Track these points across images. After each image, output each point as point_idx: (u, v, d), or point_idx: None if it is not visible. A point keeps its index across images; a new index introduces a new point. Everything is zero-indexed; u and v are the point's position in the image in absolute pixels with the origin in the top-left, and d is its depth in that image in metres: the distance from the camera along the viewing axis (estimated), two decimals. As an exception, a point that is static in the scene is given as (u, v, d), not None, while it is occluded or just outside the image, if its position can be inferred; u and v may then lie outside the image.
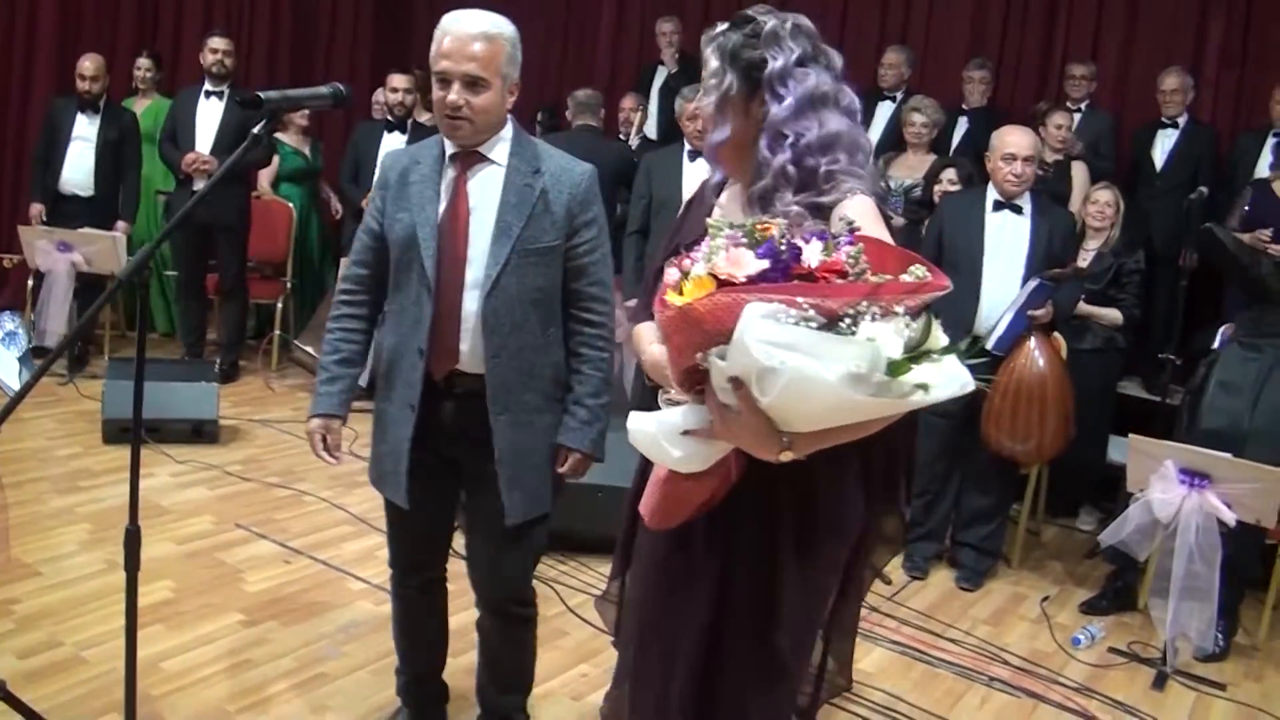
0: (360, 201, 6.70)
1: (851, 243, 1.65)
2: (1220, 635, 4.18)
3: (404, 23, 10.28)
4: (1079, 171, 6.20)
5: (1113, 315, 5.26)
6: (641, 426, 1.82)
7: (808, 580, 2.01)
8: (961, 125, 6.85)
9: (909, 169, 6.16)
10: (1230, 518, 3.83)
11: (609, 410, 2.74)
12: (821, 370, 1.53)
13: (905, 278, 1.63)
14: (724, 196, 2.15)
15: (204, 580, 4.04)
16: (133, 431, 2.36)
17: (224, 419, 5.74)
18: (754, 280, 1.61)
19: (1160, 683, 3.99)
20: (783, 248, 1.63)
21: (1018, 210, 4.59)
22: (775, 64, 1.94)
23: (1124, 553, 4.12)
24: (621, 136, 7.10)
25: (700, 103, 2.06)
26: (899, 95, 7.09)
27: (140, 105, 7.45)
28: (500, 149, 2.62)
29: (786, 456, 1.69)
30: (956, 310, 4.34)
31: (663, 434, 1.79)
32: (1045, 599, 4.66)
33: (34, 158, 6.82)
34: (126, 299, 7.28)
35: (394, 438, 2.68)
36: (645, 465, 2.13)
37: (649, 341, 2.00)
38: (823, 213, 1.88)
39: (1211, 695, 3.98)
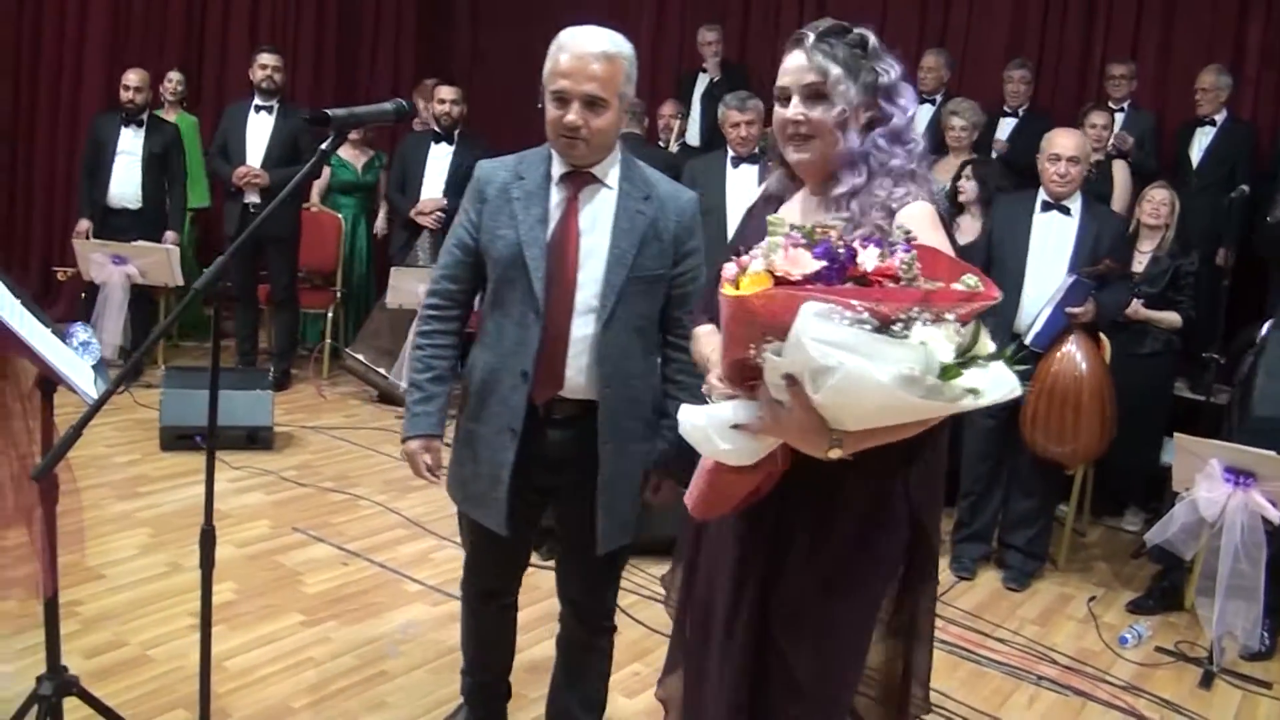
0: (409, 212, 6.83)
1: (907, 249, 1.71)
2: (1266, 634, 4.18)
3: (445, 34, 10.43)
4: (1120, 171, 6.21)
5: (1171, 319, 5.22)
6: (692, 419, 1.87)
7: (852, 580, 2.05)
8: (1004, 127, 6.86)
9: (949, 172, 6.19)
10: (1276, 516, 3.84)
11: None
12: (874, 371, 1.58)
13: (957, 286, 1.69)
14: (791, 205, 2.20)
15: (264, 582, 4.15)
16: (207, 436, 2.45)
17: (278, 425, 5.85)
18: (809, 280, 1.67)
19: (1207, 681, 4.01)
20: (840, 249, 1.70)
21: (1066, 211, 4.64)
22: (889, 76, 2.06)
23: (1170, 552, 4.13)
24: (661, 143, 7.17)
25: (814, 110, 2.05)
26: (938, 98, 7.12)
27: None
28: (612, 171, 2.57)
29: (835, 454, 1.74)
30: (998, 308, 4.34)
31: (712, 427, 1.84)
32: (1092, 599, 4.69)
33: (81, 173, 6.96)
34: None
35: (490, 461, 2.60)
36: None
37: (708, 344, 2.10)
38: (891, 216, 2.01)
39: (1259, 694, 3.99)
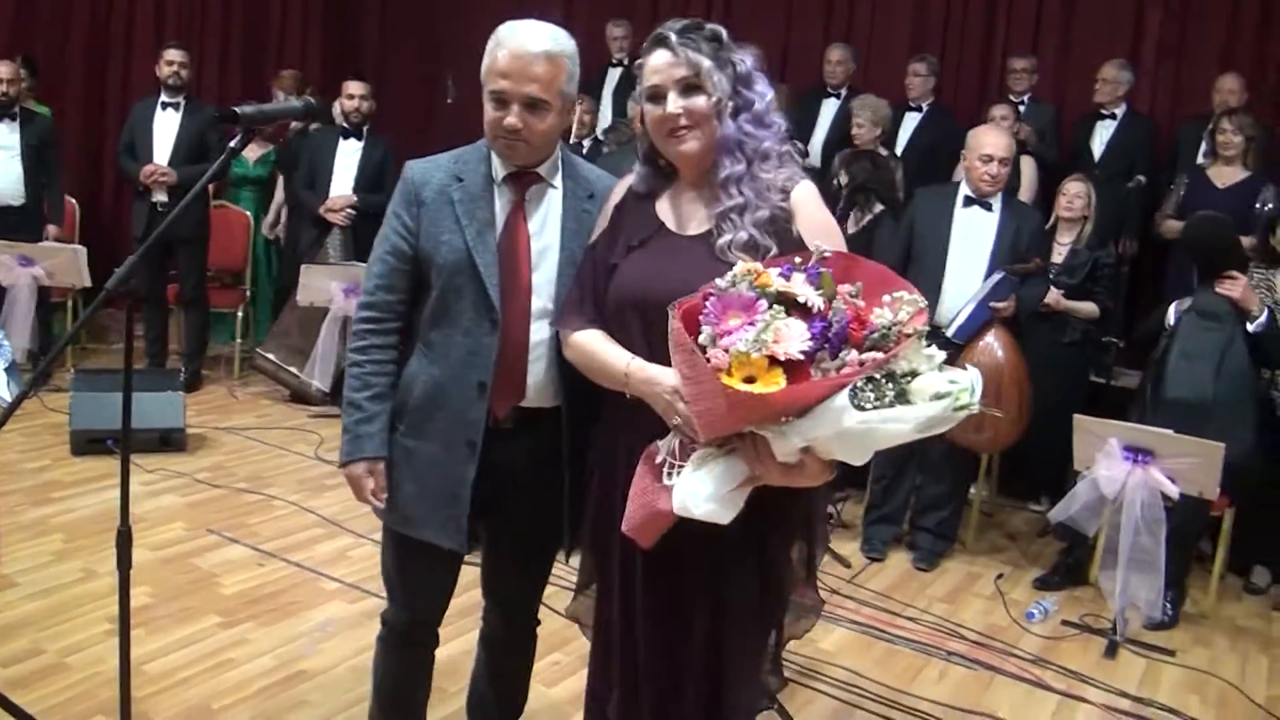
0: (318, 208, 6.77)
1: (822, 268, 1.85)
2: (1169, 605, 4.36)
3: (352, 29, 10.33)
4: (1027, 166, 6.35)
5: (1089, 309, 5.36)
6: (697, 500, 1.92)
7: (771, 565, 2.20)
8: (909, 122, 7.00)
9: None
10: (1174, 491, 4.00)
11: None
12: (901, 427, 1.76)
13: (903, 304, 1.82)
14: (665, 201, 2.29)
15: (180, 585, 4.11)
16: (122, 438, 2.43)
17: (190, 427, 5.78)
18: (808, 355, 1.78)
19: (1112, 651, 4.16)
20: (836, 317, 1.80)
21: (988, 207, 4.75)
22: (745, 65, 2.20)
23: (1074, 530, 4.29)
24: (574, 140, 7.21)
25: (693, 101, 2.15)
26: (844, 92, 7.27)
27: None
28: (555, 171, 2.48)
29: (832, 474, 1.94)
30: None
31: (719, 501, 1.92)
32: (999, 577, 4.83)
33: None
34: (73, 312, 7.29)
35: (442, 478, 2.44)
36: (612, 479, 2.25)
37: (600, 351, 2.21)
38: (786, 196, 2.17)
39: (1162, 661, 4.15)
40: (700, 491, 1.92)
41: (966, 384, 1.79)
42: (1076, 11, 7.29)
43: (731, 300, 1.83)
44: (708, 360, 1.81)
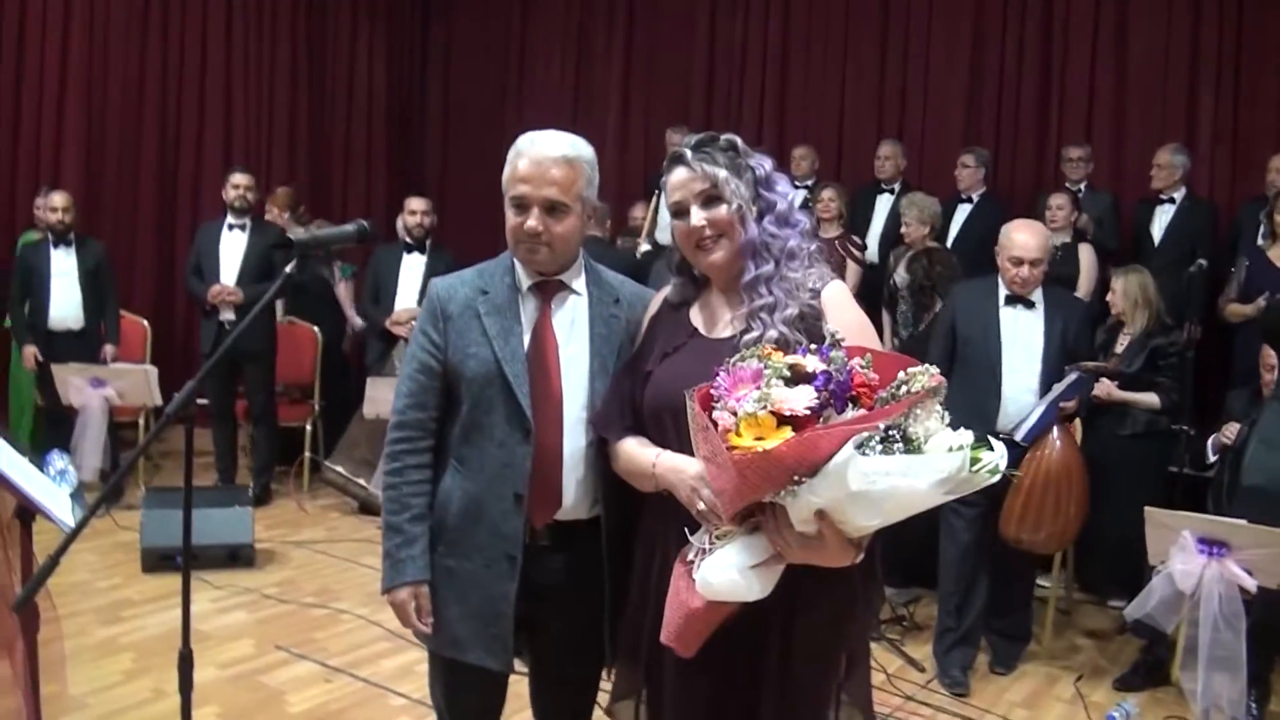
0: (384, 323, 6.92)
1: (834, 348, 1.88)
2: (1254, 704, 4.20)
3: (417, 147, 10.65)
4: (1086, 254, 6.33)
5: (1149, 399, 5.26)
6: (722, 575, 1.94)
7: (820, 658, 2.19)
8: (960, 213, 7.03)
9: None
10: (1251, 584, 3.88)
11: None
12: (915, 483, 1.75)
13: (919, 379, 1.83)
14: (697, 308, 2.37)
15: (247, 704, 4.13)
16: (182, 557, 2.46)
17: (259, 542, 5.86)
18: (815, 411, 1.80)
19: (1197, 754, 4.01)
20: (839, 375, 1.83)
21: (1030, 305, 4.60)
22: (762, 169, 2.30)
23: (1152, 627, 4.16)
24: (638, 240, 7.30)
25: (715, 212, 2.24)
26: (896, 187, 7.33)
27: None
28: (579, 278, 2.51)
29: (860, 557, 1.93)
30: (977, 409, 4.38)
31: (743, 575, 1.93)
32: (1079, 678, 4.70)
33: (12, 301, 6.84)
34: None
35: (484, 596, 2.42)
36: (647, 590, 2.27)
37: (634, 453, 2.26)
38: (816, 296, 2.23)
39: (1250, 764, 4.00)
40: (720, 564, 1.93)
41: (998, 456, 1.80)
42: (1129, 98, 7.32)
43: (741, 374, 1.88)
44: (715, 425, 1.85)
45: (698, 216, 2.24)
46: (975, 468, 1.77)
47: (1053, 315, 4.60)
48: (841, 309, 2.23)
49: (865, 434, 1.77)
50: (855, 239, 6.99)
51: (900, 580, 5.42)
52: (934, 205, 6.39)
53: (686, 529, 2.07)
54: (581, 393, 2.42)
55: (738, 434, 1.82)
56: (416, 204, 7.12)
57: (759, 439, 1.80)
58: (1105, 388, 5.16)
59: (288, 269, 2.42)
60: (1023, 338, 4.57)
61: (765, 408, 1.81)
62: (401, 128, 10.56)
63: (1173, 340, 5.32)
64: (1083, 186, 6.89)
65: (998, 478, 1.80)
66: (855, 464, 1.74)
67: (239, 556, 5.66)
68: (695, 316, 2.36)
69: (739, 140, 2.30)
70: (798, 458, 1.77)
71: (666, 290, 2.46)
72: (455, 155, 10.54)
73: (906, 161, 7.52)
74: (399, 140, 10.50)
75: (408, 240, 7.10)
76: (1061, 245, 6.26)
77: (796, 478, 1.78)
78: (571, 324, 2.47)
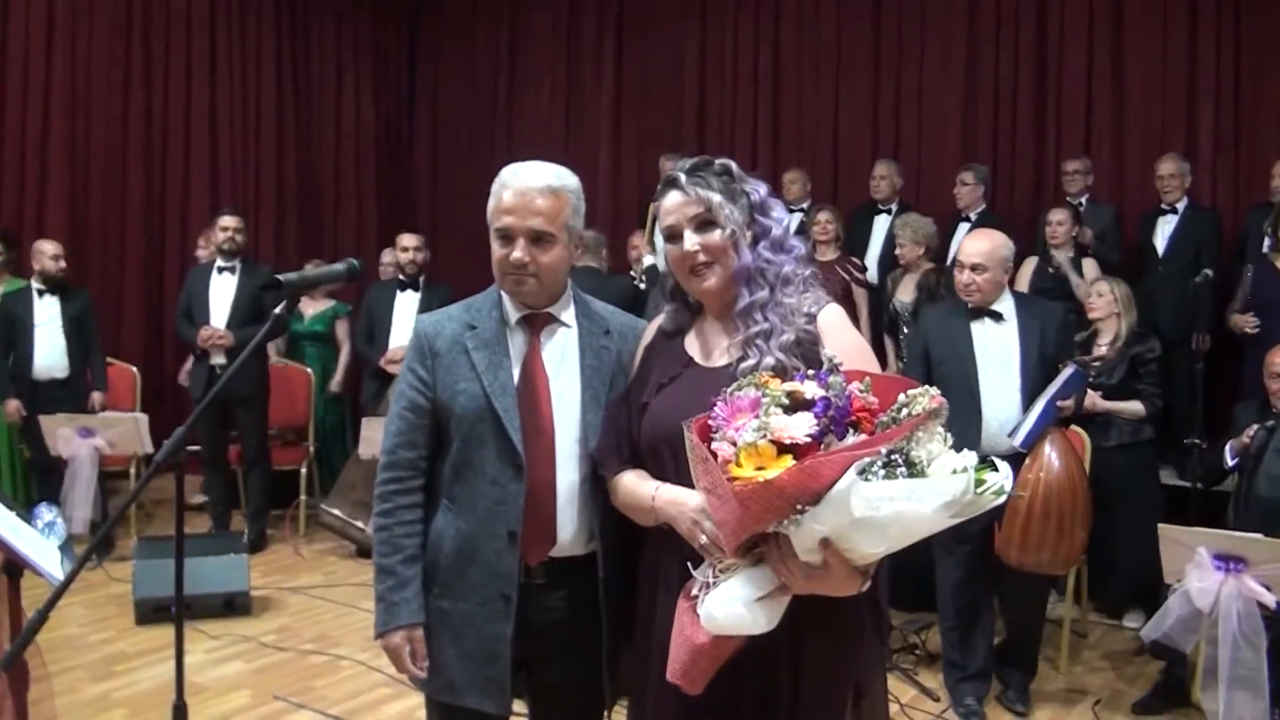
0: (379, 361, 6.93)
1: (833, 373, 1.88)
2: (1277, 722, 4.18)
3: (407, 182, 10.69)
4: (1090, 268, 6.34)
5: (1134, 408, 5.33)
6: (726, 609, 1.93)
7: (834, 677, 2.20)
8: (960, 231, 7.00)
9: (911, 290, 6.36)
10: (1271, 600, 3.87)
11: None
12: (920, 507, 1.75)
13: (919, 401, 1.83)
14: (693, 336, 2.38)
15: (247, 755, 4.11)
16: (175, 606, 2.45)
17: (255, 589, 5.84)
18: (815, 438, 1.80)
19: (1222, 777, 3.98)
20: (839, 401, 1.83)
21: (997, 317, 4.47)
22: (758, 194, 2.31)
23: (1170, 647, 4.14)
24: (632, 275, 7.33)
25: (709, 237, 2.25)
26: (894, 207, 7.38)
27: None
28: (568, 310, 2.54)
29: (866, 585, 1.92)
30: (958, 432, 4.20)
31: (748, 608, 1.92)
32: (1097, 702, 4.67)
33: None
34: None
35: (480, 638, 2.43)
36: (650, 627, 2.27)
37: (632, 487, 2.27)
38: (812, 320, 2.24)
39: (1276, 786, 3.97)
40: (724, 598, 1.92)
41: (1001, 478, 1.81)
42: (1127, 110, 7.35)
43: (739, 403, 1.88)
44: (715, 456, 1.85)
45: (691, 241, 2.25)
46: (980, 489, 1.78)
47: (1028, 324, 4.45)
48: (838, 333, 2.24)
49: (867, 459, 1.77)
50: (855, 260, 7.01)
51: (909, 604, 5.39)
52: (928, 225, 6.42)
53: (689, 563, 2.07)
54: (574, 426, 2.43)
55: (738, 464, 1.82)
56: (408, 240, 7.16)
57: (760, 469, 1.80)
58: (1089, 399, 5.13)
59: (277, 310, 2.44)
60: (996, 352, 4.46)
61: (765, 437, 1.81)
62: (391, 162, 10.61)
63: (1150, 348, 5.38)
64: (1083, 200, 6.91)
65: (1003, 499, 1.81)
66: (858, 490, 1.74)
67: (235, 605, 5.64)
68: (690, 345, 2.37)
69: (734, 165, 2.31)
70: (800, 486, 1.77)
71: (660, 319, 2.47)
72: (446, 189, 10.58)
73: (903, 181, 7.55)
74: (389, 175, 10.55)
75: (401, 277, 7.13)
76: (1056, 264, 6.30)
77: (799, 507, 1.78)
78: (561, 356, 2.49)
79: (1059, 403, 4.35)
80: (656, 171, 8.38)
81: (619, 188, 9.48)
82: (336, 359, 8.10)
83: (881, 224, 7.42)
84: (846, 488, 1.74)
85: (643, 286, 6.99)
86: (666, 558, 2.20)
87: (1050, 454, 4.31)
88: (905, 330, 6.28)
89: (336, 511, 6.86)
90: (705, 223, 2.25)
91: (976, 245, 4.49)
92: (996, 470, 1.83)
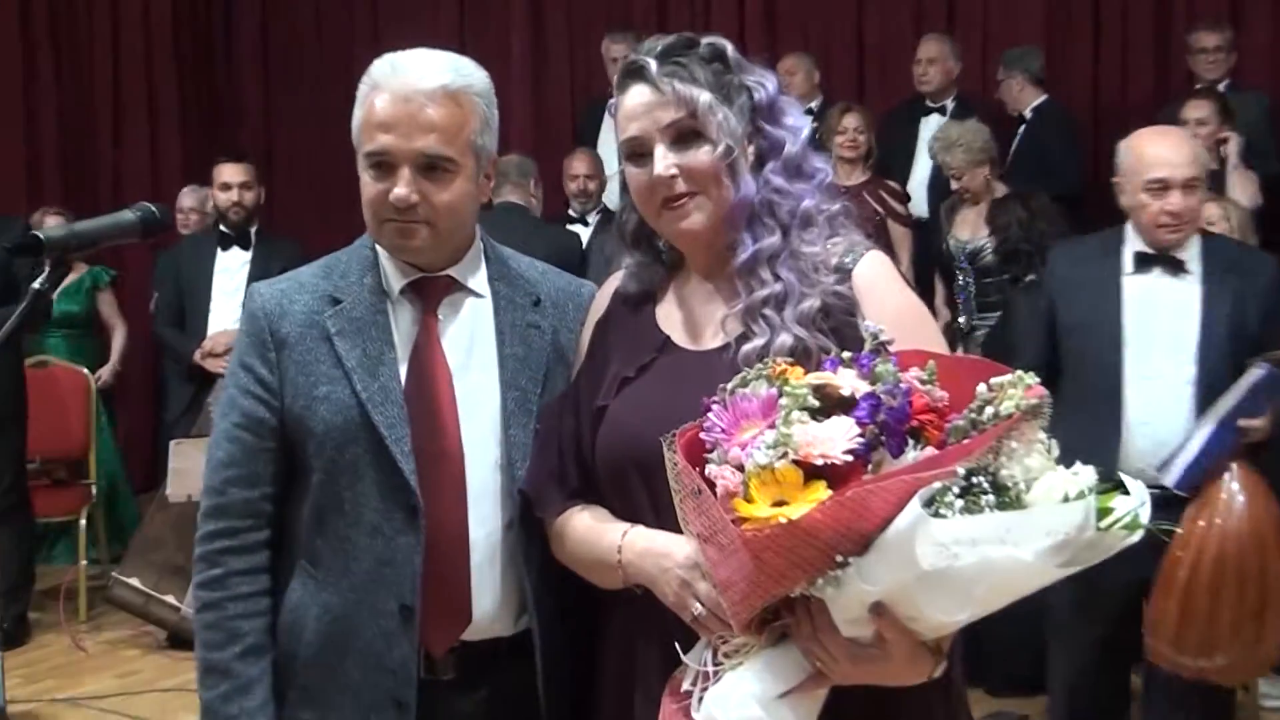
0: (192, 355, 6.81)
1: (879, 356, 1.86)
2: None
3: (224, 94, 10.60)
4: (1243, 184, 6.29)
5: None
6: (732, 713, 1.88)
7: None
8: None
9: (972, 226, 6.36)
10: None
11: None
12: (1016, 552, 1.69)
13: (1010, 395, 1.78)
14: (670, 303, 2.33)
15: None
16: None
17: (14, 703, 5.75)
18: (859, 455, 1.75)
19: None
20: (892, 399, 1.78)
21: (1176, 267, 4.27)
22: (765, 91, 2.23)
23: None
24: (573, 213, 7.28)
25: (692, 155, 2.16)
26: (949, 104, 7.45)
27: None
28: (477, 271, 2.50)
29: (941, 669, 1.89)
30: (1087, 439, 3.56)
31: (766, 709, 1.86)
32: None
33: None
34: None
35: None
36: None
37: (587, 533, 2.22)
38: (845, 276, 2.18)
39: None
40: (733, 696, 1.88)
41: (1133, 502, 1.77)
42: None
43: (745, 406, 1.85)
44: (712, 487, 1.82)
45: (666, 161, 2.17)
46: (1104, 523, 1.74)
47: (1218, 283, 4.22)
48: (884, 294, 2.18)
49: (938, 484, 1.72)
50: (892, 185, 7.00)
51: (994, 686, 5.39)
52: (980, 135, 6.39)
53: (677, 644, 2.02)
54: (492, 447, 2.40)
55: (747, 499, 1.78)
56: (230, 173, 7.05)
57: (780, 503, 1.76)
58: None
59: (36, 284, 2.33)
60: (1165, 322, 4.24)
61: (786, 455, 1.76)
62: (199, 65, 10.54)
63: None
64: (1222, 87, 6.92)
65: (1139, 535, 1.77)
66: (927, 530, 1.70)
67: (-14, 728, 5.55)
68: (666, 317, 2.31)
69: (729, 47, 2.23)
70: (840, 527, 1.73)
71: (616, 279, 2.40)
72: (283, 100, 10.57)
73: (961, 65, 7.56)
74: (195, 84, 10.45)
75: (222, 228, 7.03)
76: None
77: (840, 557, 1.74)
78: (471, 341, 2.46)
79: (1241, 422, 4.03)
80: (598, 62, 8.36)
81: (543, 88, 9.52)
82: (100, 352, 8.07)
83: (931, 128, 7.42)
84: (910, 527, 1.70)
85: (587, 234, 6.98)
86: (643, 639, 2.17)
87: (1229, 496, 4.01)
88: (963, 282, 6.29)
89: (134, 582, 6.76)
90: (687, 133, 2.17)
91: (1178, 152, 4.26)
92: (1127, 492, 1.79)
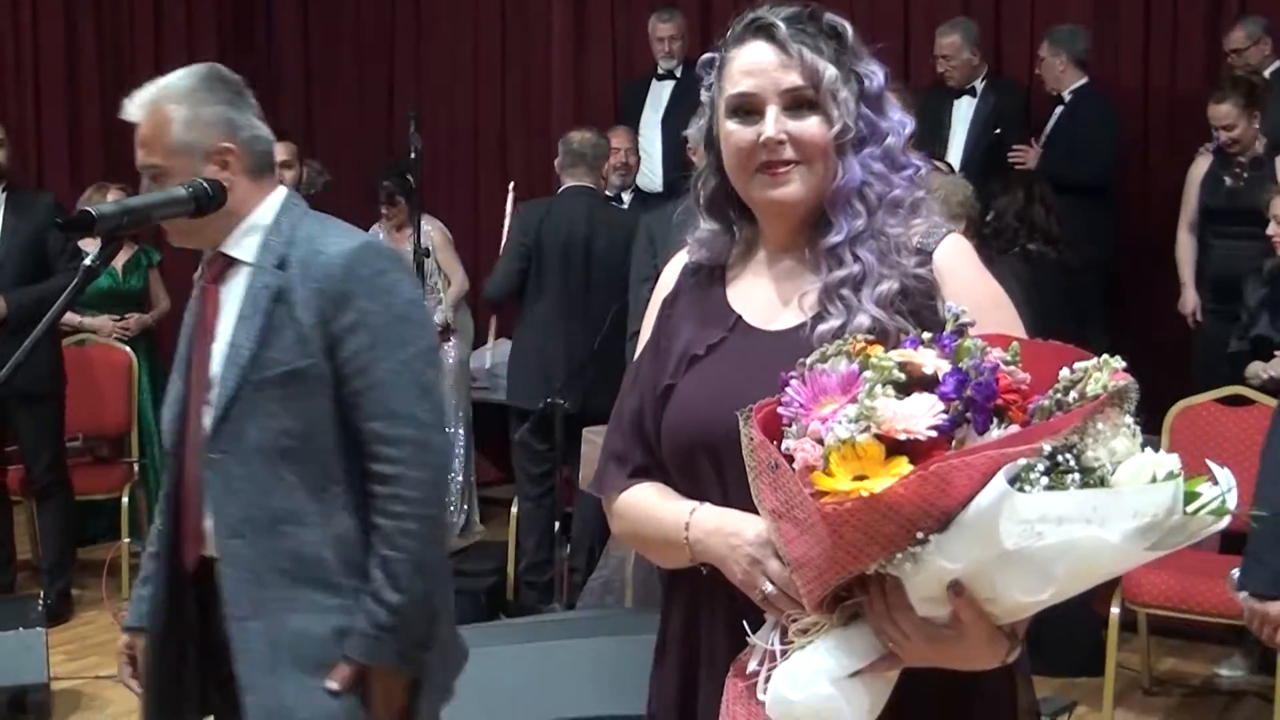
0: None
1: (962, 336, 1.82)
2: None
3: (265, 73, 10.57)
4: None
5: None
6: (803, 690, 1.85)
7: None
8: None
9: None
10: None
11: (423, 611, 2.78)
12: (1102, 533, 1.66)
13: (1096, 377, 1.75)
14: (746, 279, 2.28)
15: None
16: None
17: (58, 680, 5.75)
18: (944, 431, 1.73)
19: None
20: (979, 375, 1.75)
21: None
22: (875, 80, 2.18)
23: None
24: (609, 192, 7.26)
25: (807, 124, 2.11)
26: (978, 86, 7.47)
27: None
28: (249, 240, 2.81)
29: (1015, 654, 1.86)
30: None
31: (837, 686, 1.84)
32: None
33: None
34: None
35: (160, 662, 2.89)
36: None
37: (652, 511, 2.19)
38: (926, 258, 2.15)
39: None
40: (802, 674, 1.85)
41: (1221, 486, 1.72)
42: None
43: (824, 381, 1.82)
44: (790, 460, 1.80)
45: (778, 124, 2.11)
46: (1191, 507, 1.69)
47: None
48: (965, 276, 2.15)
49: (1024, 461, 1.69)
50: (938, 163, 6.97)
51: (1044, 667, 5.34)
52: (963, 191, 6.33)
53: (745, 623, 1.99)
54: (213, 392, 2.77)
55: (827, 473, 1.75)
56: (279, 152, 7.00)
57: (860, 478, 1.73)
58: None
59: (88, 260, 2.38)
60: None
61: (868, 430, 1.73)
62: (240, 44, 10.56)
63: None
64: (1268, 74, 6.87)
65: (1225, 521, 1.72)
66: (1012, 506, 1.66)
67: (26, 704, 5.55)
68: (738, 294, 2.26)
69: (850, 29, 2.18)
70: (922, 502, 1.69)
71: (683, 254, 2.36)
72: (325, 79, 10.62)
73: (979, 53, 7.55)
74: (238, 62, 10.37)
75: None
76: (1251, 159, 6.30)
77: (919, 534, 1.71)
78: (229, 307, 2.79)
79: None
80: (640, 40, 8.31)
81: (584, 65, 9.48)
82: (153, 330, 8.09)
83: (964, 109, 7.53)
84: (995, 503, 1.66)
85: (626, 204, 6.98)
86: (708, 617, 2.14)
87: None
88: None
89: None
90: (804, 103, 2.12)
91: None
92: (1214, 479, 1.75)
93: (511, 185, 8.01)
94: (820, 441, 1.76)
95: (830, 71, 2.09)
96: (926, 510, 1.69)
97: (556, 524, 6.37)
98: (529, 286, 6.65)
